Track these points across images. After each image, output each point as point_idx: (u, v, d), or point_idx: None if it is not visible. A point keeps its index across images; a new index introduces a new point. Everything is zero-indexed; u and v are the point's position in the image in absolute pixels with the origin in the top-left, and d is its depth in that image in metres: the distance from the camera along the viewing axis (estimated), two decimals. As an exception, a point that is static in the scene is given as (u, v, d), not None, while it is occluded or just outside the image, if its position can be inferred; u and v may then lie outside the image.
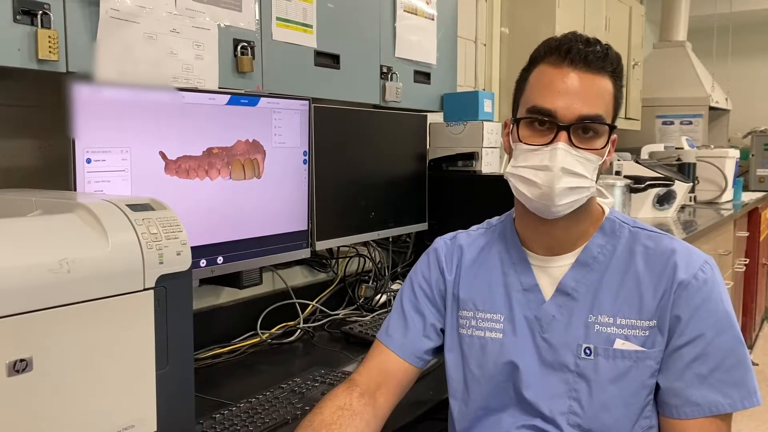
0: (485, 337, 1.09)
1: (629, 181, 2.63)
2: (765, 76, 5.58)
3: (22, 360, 0.71)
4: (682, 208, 3.40)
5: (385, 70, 1.83)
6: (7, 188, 1.16)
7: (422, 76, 2.00)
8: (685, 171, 3.54)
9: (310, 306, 1.82)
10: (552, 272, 1.07)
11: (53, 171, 1.33)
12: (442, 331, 1.16)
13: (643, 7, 4.23)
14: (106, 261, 0.79)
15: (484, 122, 2.05)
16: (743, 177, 4.52)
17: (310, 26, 1.58)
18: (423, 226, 2.07)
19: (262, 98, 1.47)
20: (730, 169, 3.88)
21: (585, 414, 1.01)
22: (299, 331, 1.70)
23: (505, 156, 1.12)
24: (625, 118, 4.02)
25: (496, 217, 1.21)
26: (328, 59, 1.64)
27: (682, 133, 4.43)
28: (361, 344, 1.60)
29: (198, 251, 1.32)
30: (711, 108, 4.69)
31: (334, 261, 1.99)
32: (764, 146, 4.85)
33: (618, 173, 2.99)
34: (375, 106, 1.86)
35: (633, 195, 2.68)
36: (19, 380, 0.71)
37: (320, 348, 1.63)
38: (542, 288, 1.07)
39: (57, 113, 1.19)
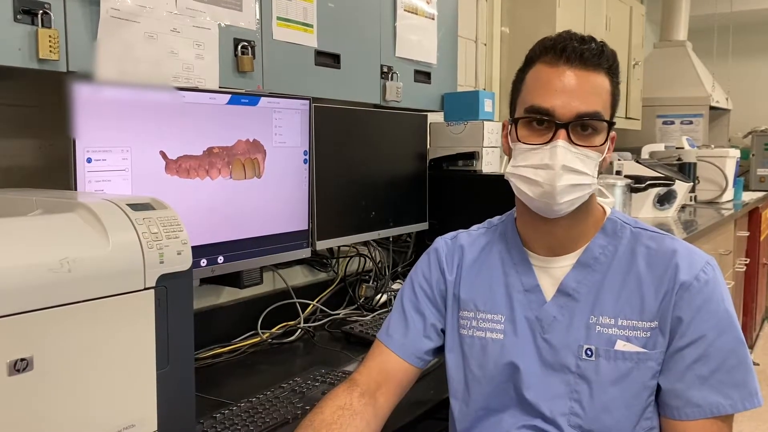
0: (486, 338, 1.08)
1: (630, 180, 2.63)
2: (765, 75, 5.58)
3: (22, 359, 0.71)
4: (683, 207, 3.40)
5: (385, 69, 1.83)
6: (7, 188, 1.16)
7: (423, 75, 2.00)
8: (686, 171, 3.53)
9: (311, 306, 1.82)
10: (553, 273, 1.07)
11: (54, 170, 1.33)
12: (443, 331, 1.16)
13: (643, 6, 4.23)
14: (106, 260, 0.79)
15: (485, 122, 2.05)
16: (744, 177, 4.51)
17: (311, 26, 1.58)
18: (423, 226, 2.07)
19: (262, 98, 1.47)
20: (730, 169, 3.88)
21: (586, 415, 1.01)
22: (300, 330, 1.70)
23: (506, 156, 1.12)
24: (626, 117, 4.02)
25: (497, 217, 1.21)
26: (328, 59, 1.64)
27: (682, 133, 4.43)
28: (361, 344, 1.60)
29: (198, 251, 1.32)
30: (711, 108, 4.69)
31: (334, 261, 1.99)
32: (764, 146, 4.85)
33: (618, 173, 2.99)
34: (375, 106, 1.86)
35: (633, 195, 2.68)
36: (20, 380, 0.71)
37: (321, 348, 1.63)
38: (543, 288, 1.07)
39: (57, 113, 1.19)
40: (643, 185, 2.73)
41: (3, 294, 0.69)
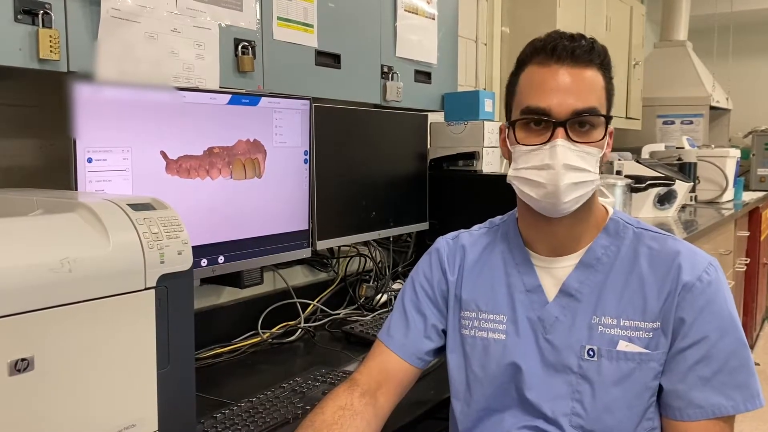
0: (488, 338, 1.08)
1: (630, 180, 2.63)
2: (766, 75, 5.58)
3: (23, 359, 0.71)
4: (683, 207, 3.40)
5: (385, 69, 1.83)
6: (8, 188, 1.16)
7: (423, 75, 2.00)
8: (686, 170, 3.53)
9: (311, 305, 1.82)
10: (555, 273, 1.07)
11: (54, 170, 1.33)
12: (444, 332, 1.15)
13: (643, 6, 4.23)
14: (107, 260, 0.79)
15: (485, 122, 2.05)
16: (744, 176, 4.51)
17: (311, 26, 1.58)
18: (424, 226, 2.07)
19: (262, 98, 1.47)
20: (730, 169, 3.88)
21: (588, 416, 1.01)
22: (300, 330, 1.70)
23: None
24: (626, 117, 4.02)
25: (499, 217, 1.20)
26: (328, 59, 1.64)
27: (682, 133, 4.43)
28: (361, 344, 1.60)
29: (199, 251, 1.32)
30: (712, 107, 4.69)
31: (334, 260, 1.99)
32: (765, 146, 4.84)
33: (619, 173, 2.99)
34: (376, 106, 1.86)
35: (634, 195, 2.68)
36: (21, 379, 0.71)
37: (321, 347, 1.63)
38: (545, 289, 1.07)
39: (58, 113, 1.19)
40: (644, 185, 2.73)
41: (4, 294, 0.69)
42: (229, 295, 1.68)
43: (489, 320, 1.09)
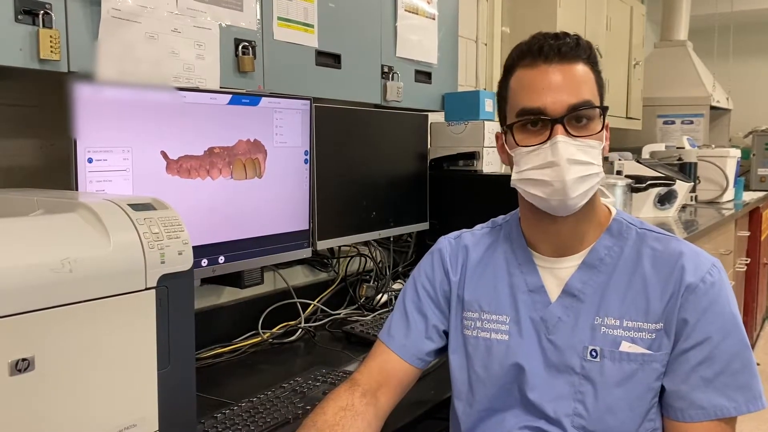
0: (491, 339, 1.08)
1: (630, 180, 2.63)
2: (766, 75, 5.58)
3: (23, 359, 0.71)
4: (683, 207, 3.39)
5: (386, 69, 1.83)
6: (8, 188, 1.16)
7: (423, 75, 2.00)
8: (686, 170, 3.53)
9: (312, 305, 1.82)
10: (558, 273, 1.07)
11: (55, 171, 1.33)
12: (445, 332, 1.15)
13: (644, 6, 4.22)
14: (107, 260, 0.79)
15: (485, 122, 2.05)
16: (744, 176, 4.51)
17: (312, 26, 1.58)
18: (424, 226, 2.07)
19: (263, 98, 1.47)
20: (731, 169, 3.88)
21: (590, 416, 1.01)
22: (300, 330, 1.70)
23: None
24: (626, 117, 4.02)
25: (501, 216, 1.20)
26: (329, 59, 1.64)
27: (683, 133, 4.43)
28: (362, 344, 1.60)
29: (199, 251, 1.32)
30: (712, 107, 4.69)
31: (335, 260, 1.99)
32: (765, 146, 4.84)
33: (619, 173, 2.99)
34: (376, 106, 1.86)
35: (634, 194, 2.68)
36: (21, 379, 0.71)
37: (321, 347, 1.63)
38: (548, 289, 1.07)
39: (58, 113, 1.19)
40: (644, 185, 2.72)
41: (4, 294, 0.69)
42: (229, 295, 1.68)
43: (492, 321, 1.09)
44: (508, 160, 1.07)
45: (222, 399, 1.26)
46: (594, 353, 1.01)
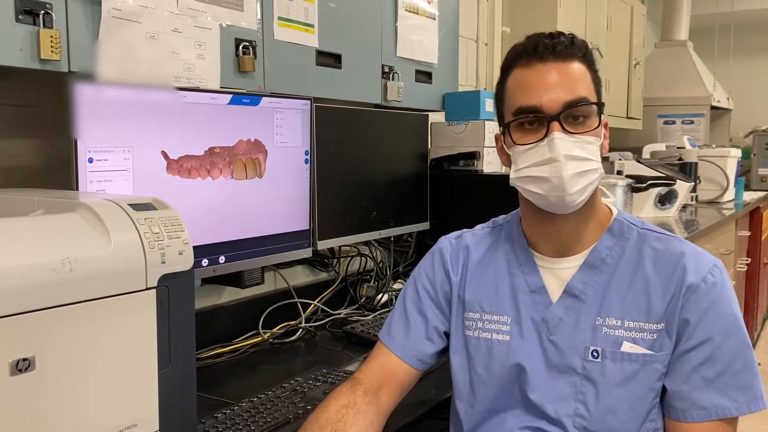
0: (492, 339, 1.08)
1: (631, 180, 2.63)
2: (766, 75, 5.58)
3: (24, 359, 0.71)
4: (684, 207, 3.39)
5: (386, 69, 1.83)
6: (9, 188, 1.16)
7: (424, 75, 2.00)
8: (687, 170, 3.53)
9: (312, 305, 1.82)
10: (559, 274, 1.07)
11: (55, 170, 1.33)
12: (446, 333, 1.15)
13: (644, 6, 4.22)
14: (108, 260, 0.79)
15: (486, 121, 2.05)
16: (745, 176, 4.51)
17: (312, 26, 1.58)
18: (424, 226, 2.07)
19: (263, 98, 1.47)
20: (731, 169, 3.88)
21: (591, 417, 1.00)
22: (301, 330, 1.70)
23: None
24: (627, 117, 4.02)
25: (502, 216, 1.20)
26: (329, 59, 1.64)
27: (683, 133, 4.43)
28: (362, 344, 1.60)
29: (200, 251, 1.32)
30: (712, 107, 4.69)
31: (335, 260, 1.99)
32: (765, 145, 4.84)
33: (620, 173, 2.99)
34: (376, 106, 1.86)
35: (634, 194, 2.68)
36: (22, 379, 0.71)
37: (322, 347, 1.63)
38: (549, 290, 1.07)
39: (59, 113, 1.19)
40: (644, 185, 2.72)
41: (5, 294, 0.69)
42: (229, 294, 1.68)
43: (493, 321, 1.09)
44: (508, 161, 1.07)
45: (222, 399, 1.26)
46: (595, 354, 1.01)
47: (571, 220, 1.04)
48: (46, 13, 1.05)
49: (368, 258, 2.05)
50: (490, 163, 2.08)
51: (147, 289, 0.84)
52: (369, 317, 1.83)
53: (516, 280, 1.09)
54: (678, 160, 3.56)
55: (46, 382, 0.74)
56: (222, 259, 1.40)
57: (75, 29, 1.10)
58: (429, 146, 2.12)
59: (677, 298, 0.98)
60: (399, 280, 2.10)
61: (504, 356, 1.06)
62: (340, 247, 1.95)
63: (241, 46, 1.39)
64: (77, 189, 1.13)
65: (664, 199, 3.05)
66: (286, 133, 1.53)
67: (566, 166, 0.97)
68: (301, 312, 1.76)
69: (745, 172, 4.68)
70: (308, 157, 1.60)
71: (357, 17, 1.73)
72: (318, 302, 1.84)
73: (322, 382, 1.31)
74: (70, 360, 0.76)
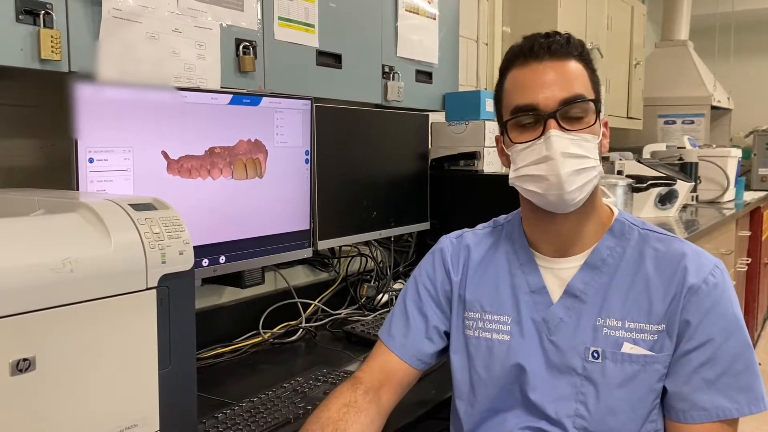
0: (492, 339, 1.08)
1: (631, 180, 2.63)
2: (767, 75, 5.57)
3: (24, 359, 0.71)
4: (684, 207, 3.39)
5: (386, 69, 1.83)
6: (9, 188, 1.16)
7: (424, 75, 2.00)
8: (687, 170, 3.53)
9: (312, 305, 1.82)
10: (560, 274, 1.07)
11: (55, 171, 1.33)
12: (446, 333, 1.15)
13: (644, 6, 4.22)
14: (108, 260, 0.79)
15: (486, 122, 2.05)
16: (745, 176, 4.51)
17: (312, 26, 1.58)
18: (425, 226, 2.07)
19: (264, 98, 1.47)
20: (732, 169, 3.88)
21: (591, 417, 1.00)
22: (301, 330, 1.70)
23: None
24: (627, 117, 4.01)
25: (503, 216, 1.20)
26: (330, 59, 1.64)
27: (684, 133, 4.43)
28: (363, 344, 1.60)
29: (200, 251, 1.32)
30: (713, 107, 4.69)
31: (335, 260, 1.99)
32: (766, 145, 4.84)
33: (620, 173, 2.99)
34: (377, 106, 1.86)
35: (635, 194, 2.67)
36: (22, 379, 0.71)
37: (322, 347, 1.63)
38: (550, 290, 1.07)
39: (59, 113, 1.19)
40: (645, 185, 2.72)
41: (5, 294, 0.69)
42: (230, 294, 1.68)
43: (493, 321, 1.09)
44: (507, 162, 1.07)
45: (223, 399, 1.26)
46: (596, 354, 1.01)
47: (572, 220, 1.04)
48: (47, 13, 1.05)
49: (368, 258, 2.05)
50: (491, 163, 2.07)
51: (147, 289, 0.84)
52: (369, 317, 1.83)
53: (517, 280, 1.09)
54: (678, 160, 3.56)
55: (47, 382, 0.74)
56: (222, 259, 1.40)
57: (75, 29, 1.10)
58: (429, 146, 2.12)
59: (678, 299, 0.98)
60: (399, 280, 2.10)
61: (504, 356, 1.06)
62: (340, 247, 1.95)
63: (241, 46, 1.39)
64: (77, 189, 1.13)
65: (665, 199, 3.05)
66: (286, 133, 1.53)
67: (563, 163, 0.97)
68: (302, 312, 1.76)
69: (745, 172, 4.68)
70: (308, 157, 1.60)
71: (357, 17, 1.73)
72: (318, 302, 1.84)
73: (322, 382, 1.31)
74: (70, 360, 0.76)
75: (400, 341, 1.13)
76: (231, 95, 1.39)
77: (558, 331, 1.04)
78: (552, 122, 0.98)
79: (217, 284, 1.58)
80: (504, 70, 1.06)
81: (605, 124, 1.05)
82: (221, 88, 1.36)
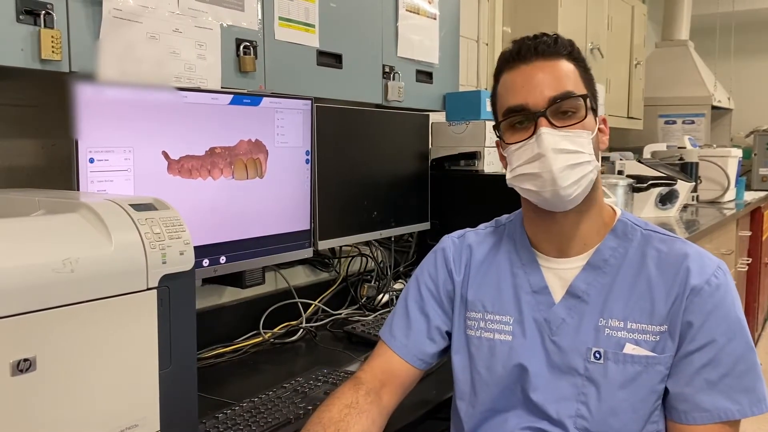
0: (494, 339, 1.08)
1: (632, 180, 2.63)
2: (767, 75, 5.57)
3: (25, 359, 0.71)
4: (685, 207, 3.39)
5: (387, 69, 1.83)
6: (10, 188, 1.16)
7: (424, 75, 2.00)
8: (688, 170, 3.53)
9: (313, 305, 1.82)
10: (562, 274, 1.07)
11: (56, 171, 1.33)
12: (448, 333, 1.15)
13: (645, 6, 4.22)
14: (109, 261, 0.79)
15: (486, 121, 2.05)
16: (745, 176, 4.51)
17: (313, 26, 1.58)
18: (425, 226, 2.07)
19: (264, 98, 1.47)
20: (732, 169, 3.87)
21: (593, 418, 1.00)
22: (302, 330, 1.70)
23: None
24: (628, 117, 4.01)
25: (505, 216, 1.20)
26: (330, 59, 1.64)
27: (684, 133, 4.43)
28: (363, 344, 1.60)
29: (201, 251, 1.32)
30: (713, 107, 4.69)
31: (336, 260, 1.99)
32: (766, 145, 4.84)
33: (620, 173, 2.99)
34: (377, 106, 1.86)
35: (635, 194, 2.68)
36: (23, 380, 0.71)
37: (323, 347, 1.63)
38: (552, 290, 1.07)
39: (60, 113, 1.19)
40: (645, 185, 2.72)
41: (6, 294, 0.69)
42: (230, 295, 1.68)
43: (495, 321, 1.09)
44: (506, 164, 1.08)
45: (223, 399, 1.26)
46: (598, 355, 1.01)
47: (571, 218, 1.04)
48: (47, 13, 1.05)
49: (369, 258, 2.05)
50: (491, 163, 2.07)
51: (148, 289, 0.83)
52: (370, 317, 1.82)
53: (518, 280, 1.09)
54: (679, 160, 3.56)
55: (47, 382, 0.74)
56: (223, 259, 1.40)
57: (76, 29, 1.10)
58: (430, 146, 2.12)
59: (680, 300, 0.98)
60: (400, 280, 2.10)
61: (506, 356, 1.06)
62: (340, 247, 1.95)
63: (241, 46, 1.39)
64: (78, 189, 1.13)
65: (665, 199, 3.05)
66: (286, 133, 1.53)
67: (555, 159, 0.97)
68: (302, 312, 1.76)
69: (745, 172, 4.68)
70: (309, 157, 1.60)
71: (358, 17, 1.73)
72: (319, 302, 1.84)
73: (322, 383, 1.31)
74: (71, 360, 0.76)
75: (402, 341, 1.13)
76: (231, 95, 1.39)
77: (560, 332, 1.04)
78: (542, 120, 0.99)
79: (218, 284, 1.58)
80: (497, 75, 1.08)
81: (604, 121, 1.06)
82: (222, 88, 1.36)
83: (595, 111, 1.04)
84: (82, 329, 0.76)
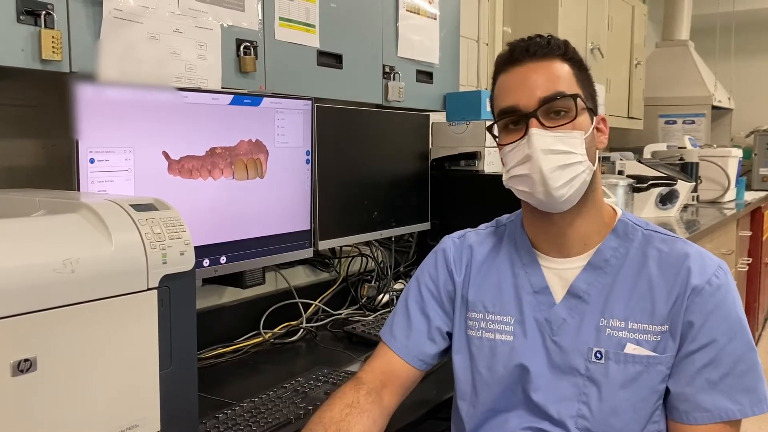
0: (495, 340, 1.08)
1: (632, 180, 2.63)
2: (767, 75, 5.57)
3: (26, 360, 0.71)
4: (685, 207, 3.39)
5: (387, 69, 1.83)
6: (10, 188, 1.16)
7: (425, 75, 2.00)
8: (688, 170, 3.53)
9: (313, 306, 1.82)
10: (563, 274, 1.07)
11: (56, 171, 1.33)
12: (449, 334, 1.15)
13: (645, 6, 4.22)
14: (109, 261, 0.79)
15: (487, 122, 2.05)
16: (746, 176, 4.51)
17: (313, 26, 1.58)
18: (425, 226, 2.07)
19: (265, 98, 1.47)
20: (732, 169, 3.87)
21: (594, 418, 1.00)
22: (302, 330, 1.70)
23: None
24: (628, 117, 4.01)
25: (506, 216, 1.20)
26: (330, 59, 1.64)
27: (684, 133, 4.43)
28: (363, 344, 1.60)
29: (201, 251, 1.31)
30: (714, 107, 4.69)
31: (336, 261, 1.99)
32: (767, 145, 4.84)
33: (621, 173, 2.99)
34: (377, 106, 1.86)
35: (636, 194, 2.67)
36: (23, 380, 0.71)
37: (323, 348, 1.63)
38: (553, 290, 1.07)
39: (60, 113, 1.19)
40: (646, 185, 2.72)
41: (6, 294, 0.69)
42: (231, 295, 1.68)
43: (496, 321, 1.09)
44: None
45: (224, 399, 1.26)
46: (599, 355, 1.01)
47: (569, 219, 1.04)
48: (48, 13, 1.05)
49: (369, 258, 2.05)
50: (491, 164, 2.07)
51: (148, 289, 0.84)
52: (370, 317, 1.82)
53: (519, 280, 1.09)
54: (679, 160, 3.56)
55: (48, 382, 0.74)
56: (223, 259, 1.40)
57: (76, 30, 1.10)
58: (430, 146, 2.12)
59: (681, 300, 0.98)
60: (400, 281, 2.10)
61: (507, 357, 1.06)
62: (341, 247, 1.95)
63: (242, 47, 1.39)
64: (78, 189, 1.13)
65: (665, 199, 3.05)
66: (287, 134, 1.53)
67: (545, 160, 0.98)
68: (302, 312, 1.76)
69: (746, 172, 4.68)
70: (309, 157, 1.60)
71: (358, 17, 1.73)
72: (319, 302, 1.84)
73: (323, 383, 1.31)
74: (71, 360, 0.76)
75: (402, 342, 1.13)
76: (232, 95, 1.39)
77: (561, 332, 1.04)
78: (533, 121, 0.99)
79: (218, 284, 1.58)
80: (494, 78, 1.08)
81: (603, 121, 1.06)
82: (222, 88, 1.36)
83: (591, 110, 1.04)
84: (82, 329, 0.76)
